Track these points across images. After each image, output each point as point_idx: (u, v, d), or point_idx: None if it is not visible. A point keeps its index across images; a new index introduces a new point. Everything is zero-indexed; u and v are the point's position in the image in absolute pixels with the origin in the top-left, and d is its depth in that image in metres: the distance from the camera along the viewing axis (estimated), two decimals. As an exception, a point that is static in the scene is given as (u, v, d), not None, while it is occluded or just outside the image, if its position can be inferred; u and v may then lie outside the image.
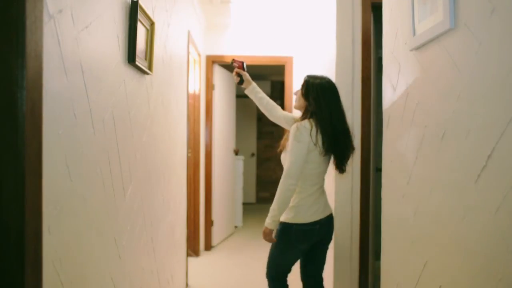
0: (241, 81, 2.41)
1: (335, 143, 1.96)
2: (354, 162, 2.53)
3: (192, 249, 4.13)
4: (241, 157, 5.77)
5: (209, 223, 4.47)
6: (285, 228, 1.98)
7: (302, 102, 2.06)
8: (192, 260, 3.98)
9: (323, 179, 2.07)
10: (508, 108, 0.84)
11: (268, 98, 2.40)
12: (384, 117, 1.65)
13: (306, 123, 1.94)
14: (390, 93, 1.59)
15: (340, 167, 2.05)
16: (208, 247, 4.46)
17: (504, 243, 0.85)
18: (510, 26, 0.85)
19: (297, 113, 2.29)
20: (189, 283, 3.40)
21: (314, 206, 1.99)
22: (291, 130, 1.96)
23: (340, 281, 2.55)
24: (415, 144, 1.32)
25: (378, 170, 2.62)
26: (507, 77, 0.85)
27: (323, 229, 2.02)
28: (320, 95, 1.98)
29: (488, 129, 0.91)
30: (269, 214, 1.94)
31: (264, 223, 1.98)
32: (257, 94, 2.39)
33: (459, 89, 1.04)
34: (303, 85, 2.08)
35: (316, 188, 2.01)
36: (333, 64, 2.57)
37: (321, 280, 2.19)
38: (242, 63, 2.44)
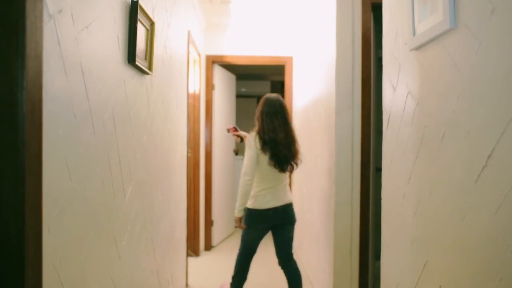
0: (241, 140, 3.00)
1: (274, 150, 2.52)
2: (354, 162, 2.54)
3: (192, 249, 4.13)
4: (241, 157, 5.76)
5: (209, 223, 4.47)
6: (248, 212, 2.59)
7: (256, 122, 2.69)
8: (192, 260, 3.98)
9: (280, 180, 2.62)
10: (508, 108, 0.84)
11: None
12: (384, 117, 1.65)
13: (252, 133, 2.61)
14: (390, 93, 1.58)
15: (277, 166, 2.55)
16: (208, 247, 4.45)
17: (504, 243, 0.85)
18: (510, 26, 0.85)
19: None
20: (189, 283, 3.40)
21: (268, 197, 2.57)
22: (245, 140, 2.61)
23: (340, 281, 2.55)
24: (415, 144, 1.32)
25: (378, 170, 2.61)
26: (507, 77, 0.85)
27: (278, 214, 2.59)
28: (262, 117, 2.60)
29: (488, 129, 0.91)
30: (235, 205, 2.59)
31: None
32: None
33: (459, 89, 1.04)
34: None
35: (271, 185, 2.58)
36: (333, 64, 2.57)
37: (292, 254, 2.72)
38: (234, 127, 3.06)
